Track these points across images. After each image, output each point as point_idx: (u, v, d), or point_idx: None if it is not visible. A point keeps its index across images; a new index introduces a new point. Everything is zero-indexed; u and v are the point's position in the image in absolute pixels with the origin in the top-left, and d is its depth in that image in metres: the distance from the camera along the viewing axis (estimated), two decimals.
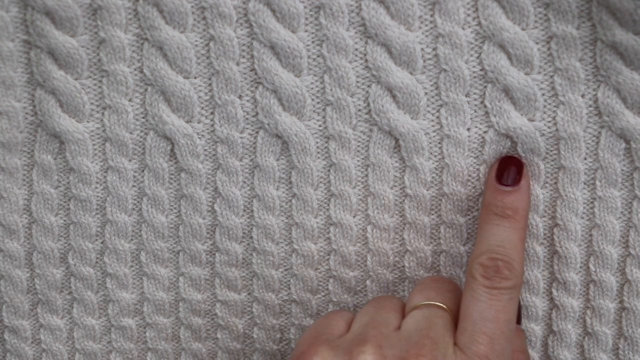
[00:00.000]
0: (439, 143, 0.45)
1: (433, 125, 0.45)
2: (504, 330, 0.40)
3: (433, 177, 0.46)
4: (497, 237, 0.42)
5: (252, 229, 0.48)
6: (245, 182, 0.47)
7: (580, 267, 0.47)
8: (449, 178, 0.45)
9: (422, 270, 0.48)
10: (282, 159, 0.46)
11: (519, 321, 0.46)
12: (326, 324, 0.42)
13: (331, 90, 0.44)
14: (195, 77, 0.45)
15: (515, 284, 0.41)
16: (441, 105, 0.44)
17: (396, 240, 0.47)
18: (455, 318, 0.41)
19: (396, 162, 0.46)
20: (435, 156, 0.45)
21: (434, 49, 0.43)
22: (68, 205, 0.48)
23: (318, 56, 0.44)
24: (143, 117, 0.45)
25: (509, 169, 0.44)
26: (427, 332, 0.39)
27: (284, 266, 0.48)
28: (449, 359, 0.38)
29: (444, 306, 0.41)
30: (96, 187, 0.47)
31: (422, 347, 0.38)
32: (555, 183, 0.46)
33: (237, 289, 0.49)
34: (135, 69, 0.45)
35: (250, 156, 0.46)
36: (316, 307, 0.49)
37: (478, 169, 0.45)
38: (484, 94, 0.44)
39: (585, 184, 0.46)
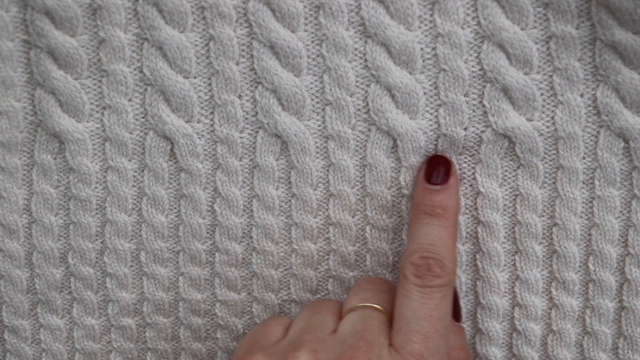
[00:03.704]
0: (435, 141, 0.45)
1: (431, 125, 0.45)
2: (437, 328, 0.40)
3: None
4: (428, 236, 0.42)
5: (251, 228, 0.48)
6: (244, 182, 0.47)
7: (580, 266, 0.47)
8: None
9: None
10: (282, 158, 0.46)
11: (459, 318, 0.46)
12: (263, 330, 0.42)
13: (330, 90, 0.44)
14: (195, 77, 0.45)
15: (448, 282, 0.41)
16: (440, 105, 0.44)
17: (395, 241, 0.47)
18: (391, 318, 0.41)
19: (392, 162, 0.46)
20: (429, 152, 0.45)
21: (434, 48, 0.43)
22: (68, 205, 0.48)
23: (317, 56, 0.44)
24: (143, 117, 0.46)
25: (438, 168, 0.44)
26: (362, 334, 0.39)
27: (284, 266, 0.49)
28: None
29: (380, 307, 0.41)
30: (96, 187, 0.47)
31: (357, 349, 0.38)
32: (554, 182, 0.46)
33: (237, 289, 0.49)
34: (135, 69, 0.45)
35: (249, 156, 0.46)
36: None
37: (474, 168, 0.46)
38: (483, 93, 0.44)
39: (584, 183, 0.46)
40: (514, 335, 0.49)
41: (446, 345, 0.40)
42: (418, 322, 0.40)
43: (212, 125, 0.45)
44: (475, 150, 0.45)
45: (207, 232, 0.48)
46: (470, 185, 0.46)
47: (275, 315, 0.45)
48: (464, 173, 0.46)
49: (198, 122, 0.45)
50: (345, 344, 0.39)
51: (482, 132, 0.45)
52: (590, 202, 0.46)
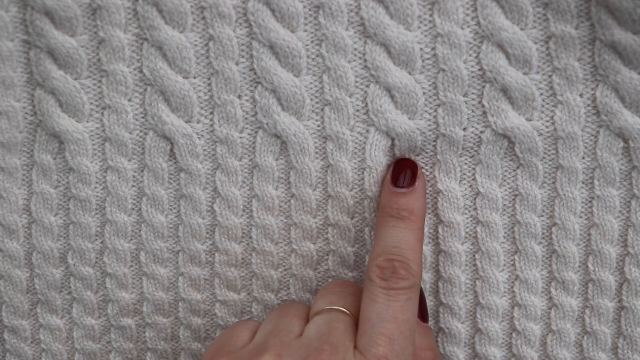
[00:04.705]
0: (434, 141, 0.45)
1: (429, 125, 0.45)
2: (402, 330, 0.40)
3: (425, 175, 0.46)
4: (394, 239, 0.43)
5: (251, 228, 0.48)
6: (244, 182, 0.47)
7: (579, 266, 0.47)
8: (440, 175, 0.46)
9: None
10: (281, 158, 0.46)
11: (426, 319, 0.46)
12: (230, 335, 0.42)
13: (330, 90, 0.44)
14: (194, 77, 0.45)
15: (413, 284, 0.41)
16: (439, 105, 0.44)
17: None
18: (358, 321, 0.41)
19: (388, 160, 0.46)
20: (426, 152, 0.45)
21: (433, 48, 0.43)
22: (67, 205, 0.48)
23: (317, 56, 0.44)
24: (142, 117, 0.46)
25: (405, 171, 0.45)
26: (327, 337, 0.39)
27: (283, 266, 0.49)
28: None
29: (346, 310, 0.42)
30: (96, 187, 0.47)
31: (322, 352, 0.39)
32: (554, 182, 0.46)
33: (237, 289, 0.49)
34: (134, 69, 0.45)
35: (249, 156, 0.46)
36: None
37: (474, 169, 0.46)
38: (482, 93, 0.44)
39: (583, 183, 0.46)
40: (514, 335, 0.49)
41: (411, 347, 0.40)
42: (383, 325, 0.40)
43: (211, 125, 0.46)
44: (475, 150, 0.45)
45: (207, 232, 0.48)
46: (470, 186, 0.46)
47: (243, 320, 0.45)
48: (464, 174, 0.46)
49: (198, 122, 0.45)
50: (310, 347, 0.39)
51: (481, 132, 0.45)
52: (590, 201, 0.46)
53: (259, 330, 0.42)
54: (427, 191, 0.46)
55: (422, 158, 0.46)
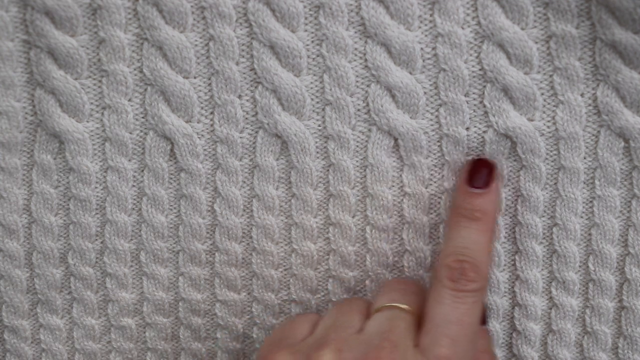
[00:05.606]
0: (438, 142, 0.45)
1: (432, 125, 0.45)
2: (467, 333, 0.39)
3: (431, 175, 0.46)
4: (465, 239, 0.42)
5: (251, 228, 0.48)
6: (244, 182, 0.47)
7: (580, 266, 0.47)
8: (449, 174, 0.46)
9: (421, 270, 0.48)
10: (282, 158, 0.46)
11: (484, 322, 0.46)
12: (290, 327, 0.42)
13: (330, 90, 0.44)
14: (194, 77, 0.45)
15: (481, 287, 0.41)
16: (440, 105, 0.44)
17: (395, 240, 0.47)
18: (419, 320, 0.41)
19: (394, 161, 0.46)
20: (434, 154, 0.45)
21: (434, 48, 0.43)
22: (68, 205, 0.48)
23: (317, 56, 0.44)
24: (143, 117, 0.46)
25: (480, 171, 0.44)
26: (387, 334, 0.39)
27: (284, 266, 0.49)
28: None
29: (408, 308, 0.41)
30: (96, 187, 0.47)
31: (382, 349, 0.38)
32: (555, 183, 0.46)
33: (237, 289, 0.49)
34: (135, 69, 0.45)
35: (249, 156, 0.46)
36: (316, 307, 0.49)
37: None
38: (483, 93, 0.44)
39: (584, 183, 0.46)
40: (514, 335, 0.49)
41: (473, 351, 0.40)
42: (448, 326, 0.39)
43: (212, 125, 0.45)
44: (481, 150, 0.45)
45: (207, 232, 0.48)
46: None
47: (304, 313, 0.45)
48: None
49: (198, 122, 0.45)
50: (371, 344, 0.39)
51: (484, 132, 0.45)
52: (591, 201, 0.46)
53: (318, 325, 0.42)
54: (434, 191, 0.46)
55: (431, 160, 0.45)
